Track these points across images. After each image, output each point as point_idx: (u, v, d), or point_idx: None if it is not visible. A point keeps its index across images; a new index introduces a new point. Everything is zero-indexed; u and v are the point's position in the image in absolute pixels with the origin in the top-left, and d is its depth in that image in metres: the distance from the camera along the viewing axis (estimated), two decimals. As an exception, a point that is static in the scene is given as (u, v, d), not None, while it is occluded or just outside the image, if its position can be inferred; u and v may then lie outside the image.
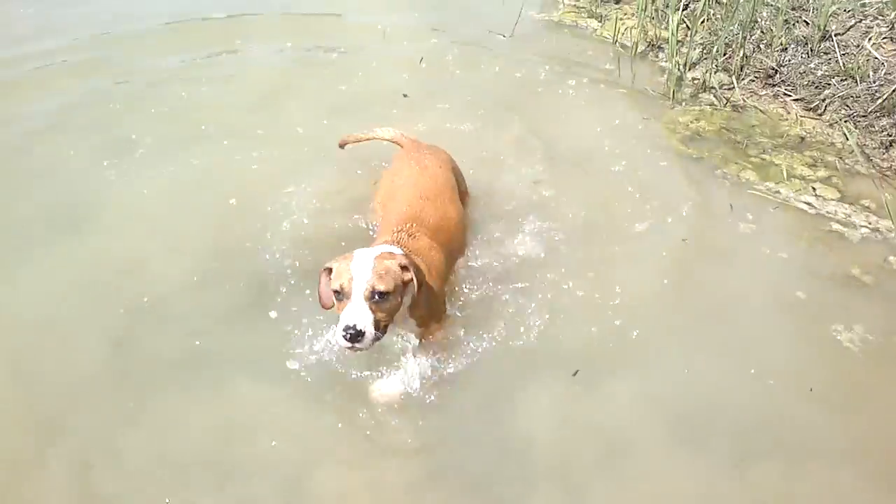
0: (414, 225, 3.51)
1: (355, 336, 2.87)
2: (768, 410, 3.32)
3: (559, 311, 3.67)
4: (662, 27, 6.05)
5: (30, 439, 3.14)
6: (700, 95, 5.45)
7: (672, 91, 5.43)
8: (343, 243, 3.80)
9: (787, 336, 3.68)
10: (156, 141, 4.88)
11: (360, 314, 2.89)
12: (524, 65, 5.81)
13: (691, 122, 5.15)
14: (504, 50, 6.05)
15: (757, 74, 5.46)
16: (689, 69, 5.66)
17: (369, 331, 2.89)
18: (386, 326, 3.02)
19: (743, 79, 5.46)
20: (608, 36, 6.18)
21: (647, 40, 6.04)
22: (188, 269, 3.89)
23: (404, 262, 3.06)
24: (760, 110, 5.24)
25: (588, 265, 3.93)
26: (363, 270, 2.95)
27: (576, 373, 3.40)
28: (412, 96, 5.33)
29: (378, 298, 2.93)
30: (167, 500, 2.92)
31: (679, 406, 3.33)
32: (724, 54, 5.61)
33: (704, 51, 5.71)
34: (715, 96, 5.39)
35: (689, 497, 3.03)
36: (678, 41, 5.78)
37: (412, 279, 3.06)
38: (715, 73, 5.54)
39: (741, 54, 5.49)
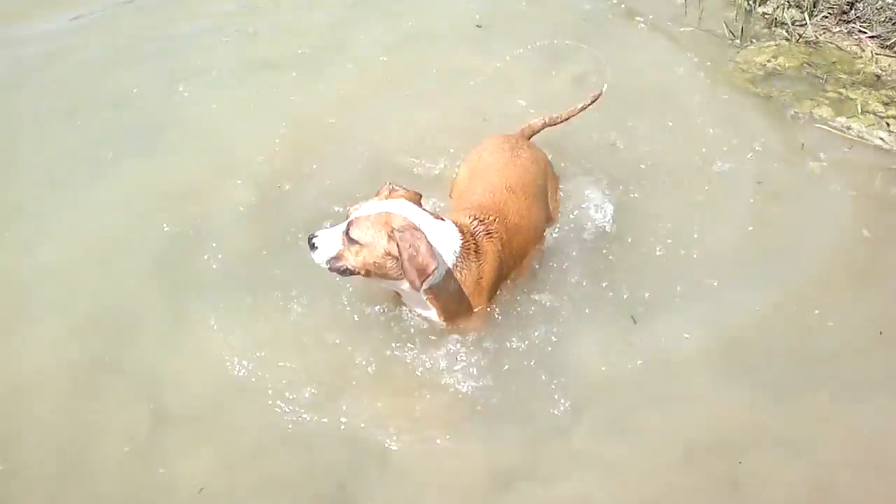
0: (495, 220, 3.22)
1: (310, 243, 3.04)
2: (827, 349, 3.39)
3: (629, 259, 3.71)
4: (734, -39, 5.88)
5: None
6: (771, 31, 5.34)
7: (741, 27, 5.33)
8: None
9: (854, 276, 3.70)
10: (226, 69, 5.03)
11: (329, 234, 3.05)
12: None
13: (768, 59, 5.06)
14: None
15: (831, 10, 5.31)
16: (760, 4, 5.53)
17: (322, 250, 3.03)
18: (359, 274, 3.04)
19: (816, 14, 5.32)
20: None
21: (718, -26, 5.89)
22: (244, 197, 4.07)
23: (404, 235, 2.90)
24: (837, 46, 5.13)
25: (664, 213, 3.95)
26: (363, 210, 3.03)
27: (635, 321, 3.47)
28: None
29: (349, 241, 2.98)
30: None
31: (738, 341, 3.43)
32: (797, -12, 5.47)
33: (776, -16, 5.56)
34: (787, 32, 5.28)
35: (738, 423, 3.16)
36: (749, -25, 5.62)
37: (398, 256, 2.91)
38: (787, 8, 5.40)
39: (815, -12, 5.34)
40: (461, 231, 3.12)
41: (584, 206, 3.89)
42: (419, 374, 3.25)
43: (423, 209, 3.13)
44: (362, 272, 3.03)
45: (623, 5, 5.64)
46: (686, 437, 3.11)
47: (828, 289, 3.61)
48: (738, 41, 5.27)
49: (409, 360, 3.28)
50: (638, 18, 5.52)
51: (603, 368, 3.33)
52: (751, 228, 3.89)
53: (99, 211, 4.07)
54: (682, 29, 5.44)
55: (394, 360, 3.29)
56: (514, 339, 3.35)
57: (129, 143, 4.46)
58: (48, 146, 4.48)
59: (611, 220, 3.82)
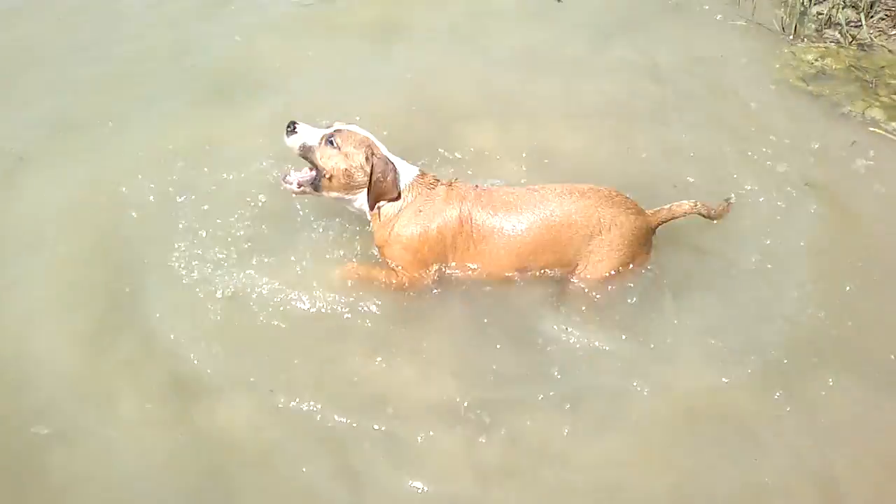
0: (468, 199, 3.39)
1: (290, 127, 3.37)
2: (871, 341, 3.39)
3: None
4: (789, -43, 5.82)
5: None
6: (824, 31, 5.28)
7: (794, 25, 5.27)
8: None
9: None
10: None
11: (310, 129, 3.39)
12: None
13: (815, 59, 5.01)
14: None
15: (888, 12, 5.24)
16: (814, 3, 5.46)
17: (300, 136, 3.35)
18: (316, 179, 3.39)
19: (872, 16, 5.25)
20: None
21: (773, -30, 5.83)
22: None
23: (374, 160, 3.31)
24: (889, 50, 5.06)
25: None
26: (346, 127, 3.40)
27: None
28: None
29: (327, 143, 3.34)
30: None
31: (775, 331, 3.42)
32: (854, -11, 5.40)
33: (832, -16, 5.50)
34: (840, 33, 5.21)
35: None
36: (805, -27, 5.56)
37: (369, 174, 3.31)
38: (842, 8, 5.33)
39: (873, -10, 5.27)
40: (422, 175, 3.46)
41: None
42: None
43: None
44: (325, 174, 3.37)
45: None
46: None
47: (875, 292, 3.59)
48: (790, 37, 5.22)
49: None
50: (688, 9, 5.50)
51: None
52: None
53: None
54: (733, 22, 5.39)
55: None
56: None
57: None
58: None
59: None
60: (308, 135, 3.37)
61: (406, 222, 3.38)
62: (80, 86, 4.79)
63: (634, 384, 3.20)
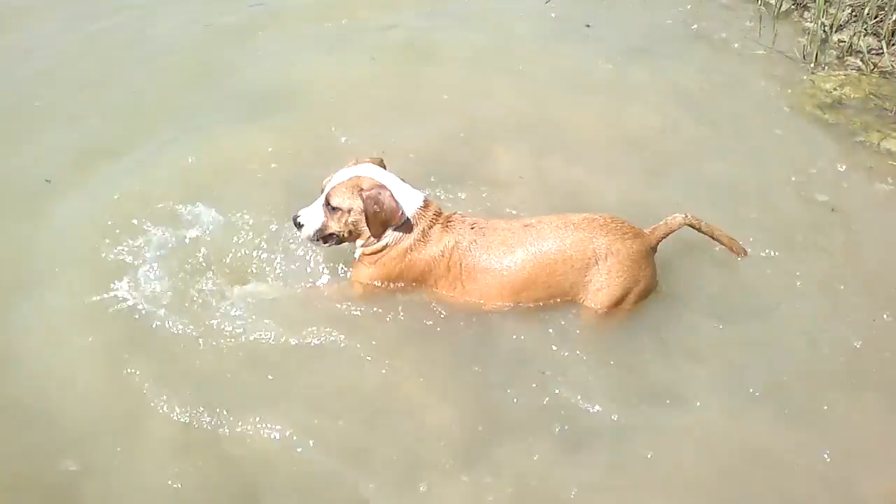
0: (465, 228, 3.43)
1: (295, 223, 3.44)
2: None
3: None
4: (810, -15, 5.86)
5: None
6: (845, 59, 5.30)
7: (815, 53, 5.30)
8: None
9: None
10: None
11: (310, 210, 3.43)
12: (657, 17, 5.82)
13: (835, 87, 5.04)
14: (643, 2, 6.02)
15: (911, 40, 5.24)
16: (835, 31, 5.49)
17: (308, 226, 3.41)
18: (340, 237, 3.45)
19: (894, 43, 5.26)
20: (750, -8, 6.05)
21: (793, -1, 5.88)
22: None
23: (369, 191, 3.30)
24: (911, 78, 5.07)
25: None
26: (335, 179, 3.39)
27: None
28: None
29: (330, 210, 3.38)
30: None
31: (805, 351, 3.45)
32: (875, 17, 5.40)
33: (853, 12, 5.51)
34: (862, 61, 5.23)
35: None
36: (826, 0, 5.59)
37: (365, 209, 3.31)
38: (864, 36, 5.35)
39: (895, 17, 5.27)
40: (426, 206, 3.46)
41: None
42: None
43: (389, 172, 3.47)
44: (346, 234, 3.44)
45: (695, 25, 5.69)
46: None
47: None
48: (810, 66, 5.25)
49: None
50: (706, 37, 5.59)
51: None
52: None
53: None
54: (752, 51, 5.45)
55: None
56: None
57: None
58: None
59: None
60: (313, 218, 3.41)
61: (394, 255, 3.43)
62: (104, 110, 4.85)
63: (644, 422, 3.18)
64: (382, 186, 3.35)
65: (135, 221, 3.85)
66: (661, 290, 3.56)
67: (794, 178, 4.33)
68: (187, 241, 3.77)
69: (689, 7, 5.92)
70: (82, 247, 3.79)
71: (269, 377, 3.30)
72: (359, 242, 3.50)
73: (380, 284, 3.51)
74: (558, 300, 3.47)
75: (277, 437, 3.07)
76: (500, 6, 5.95)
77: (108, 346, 3.39)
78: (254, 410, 3.15)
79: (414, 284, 3.51)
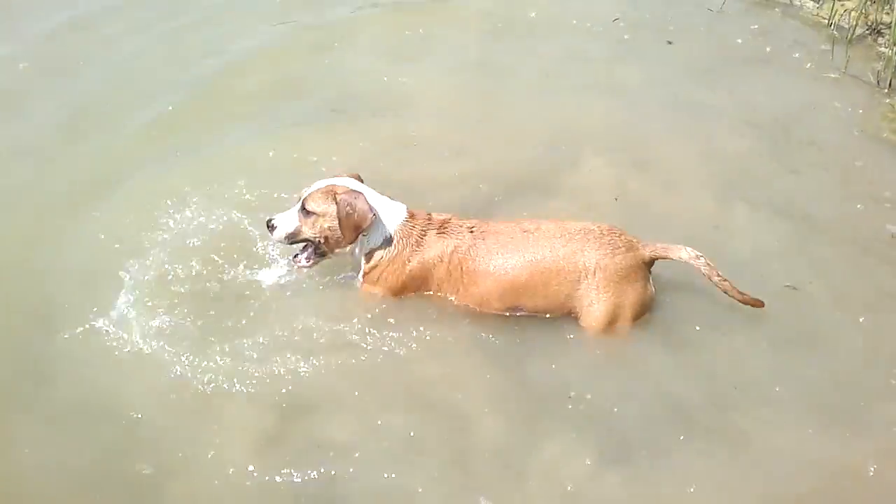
0: (463, 233, 3.47)
1: (268, 226, 3.51)
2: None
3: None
4: (885, 11, 5.83)
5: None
6: (920, 84, 5.26)
7: (889, 79, 5.26)
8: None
9: None
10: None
11: (285, 215, 3.51)
12: (727, 39, 5.82)
13: (912, 111, 5.01)
14: (710, 23, 6.03)
15: None
16: (911, 55, 5.45)
17: (280, 228, 3.48)
18: (316, 244, 3.52)
19: (974, 69, 5.20)
20: (824, 17, 6.01)
21: (868, 24, 5.84)
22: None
23: (343, 195, 3.38)
24: None
25: (804, 266, 3.93)
26: (313, 187, 3.49)
27: None
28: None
29: (305, 214, 3.46)
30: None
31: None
32: (953, 43, 5.36)
33: (930, 38, 5.47)
34: (938, 85, 5.18)
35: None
36: (902, 26, 5.56)
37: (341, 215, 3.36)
38: (941, 60, 5.30)
39: (973, 45, 5.23)
40: (412, 216, 3.52)
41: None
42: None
43: (364, 185, 3.56)
44: (321, 239, 3.50)
45: (768, 48, 5.69)
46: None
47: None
48: (885, 90, 5.21)
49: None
50: (778, 60, 5.59)
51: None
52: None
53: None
54: (825, 74, 5.43)
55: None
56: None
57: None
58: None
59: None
60: (286, 222, 3.48)
61: (394, 269, 3.48)
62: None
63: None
64: (358, 192, 3.44)
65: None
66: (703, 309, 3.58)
67: (860, 206, 4.30)
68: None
69: (756, 27, 5.93)
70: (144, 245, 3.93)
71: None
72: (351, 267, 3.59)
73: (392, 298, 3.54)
74: (566, 313, 3.47)
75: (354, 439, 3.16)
76: (570, 23, 6.00)
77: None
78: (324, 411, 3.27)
79: (424, 292, 3.55)
